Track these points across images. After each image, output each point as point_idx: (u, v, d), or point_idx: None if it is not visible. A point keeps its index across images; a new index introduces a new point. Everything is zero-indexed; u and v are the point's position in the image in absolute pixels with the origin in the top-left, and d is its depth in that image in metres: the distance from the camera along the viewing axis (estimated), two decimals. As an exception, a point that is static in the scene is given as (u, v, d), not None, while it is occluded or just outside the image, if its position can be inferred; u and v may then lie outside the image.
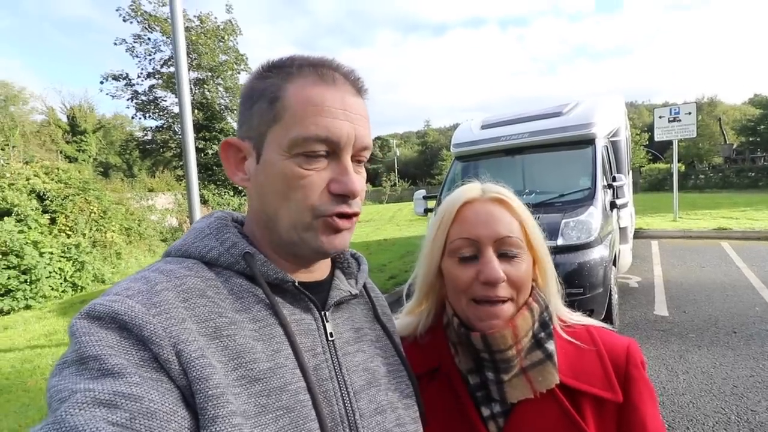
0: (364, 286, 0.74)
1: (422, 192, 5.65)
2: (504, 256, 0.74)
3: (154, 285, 0.50)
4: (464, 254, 0.76)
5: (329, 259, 0.70)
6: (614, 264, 4.48)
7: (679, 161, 14.07)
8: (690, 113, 11.53)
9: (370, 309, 0.73)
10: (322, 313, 0.62)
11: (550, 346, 0.76)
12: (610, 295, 4.00)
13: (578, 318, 0.85)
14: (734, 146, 30.37)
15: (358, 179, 0.58)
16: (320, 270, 0.66)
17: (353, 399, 0.59)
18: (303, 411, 0.52)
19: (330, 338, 0.61)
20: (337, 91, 0.57)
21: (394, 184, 45.47)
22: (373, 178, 54.01)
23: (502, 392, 0.74)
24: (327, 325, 0.62)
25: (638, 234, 9.77)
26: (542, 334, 0.76)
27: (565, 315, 0.84)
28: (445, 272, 0.80)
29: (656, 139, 12.35)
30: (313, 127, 0.55)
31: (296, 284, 0.59)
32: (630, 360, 0.77)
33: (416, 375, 0.80)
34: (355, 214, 0.60)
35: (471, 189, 0.80)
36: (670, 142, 12.17)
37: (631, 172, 8.41)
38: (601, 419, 0.73)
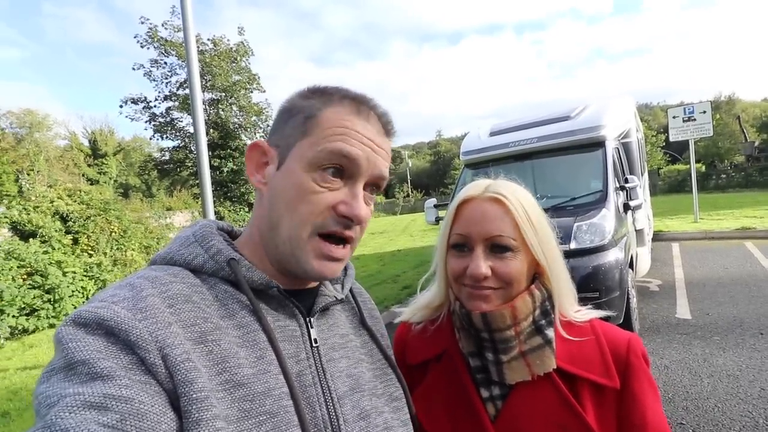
0: (351, 291, 0.76)
1: (433, 201, 5.65)
2: (494, 253, 0.77)
3: (139, 291, 0.50)
4: (459, 248, 0.81)
5: None
6: (631, 267, 4.39)
7: (698, 161, 13.76)
8: (705, 112, 11.30)
9: (356, 314, 0.75)
10: (308, 319, 0.63)
11: (550, 333, 0.78)
12: (628, 298, 3.91)
13: (584, 313, 0.84)
14: (756, 144, 29.49)
15: (365, 207, 0.60)
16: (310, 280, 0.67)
17: (337, 404, 0.60)
18: (286, 416, 0.52)
19: (314, 344, 0.62)
20: (369, 124, 0.61)
21: (407, 195, 45.55)
22: (386, 190, 54.09)
23: (501, 373, 0.76)
24: (312, 331, 0.63)
25: (658, 236, 9.54)
26: (543, 321, 0.79)
27: (570, 314, 0.83)
28: (447, 263, 0.84)
29: (671, 139, 12.12)
30: (339, 144, 0.58)
31: (280, 290, 0.60)
32: (631, 350, 0.78)
33: (423, 360, 0.86)
34: (351, 240, 0.61)
35: (474, 187, 0.83)
36: (688, 143, 11.92)
37: (646, 173, 8.26)
38: (599, 406, 0.74)
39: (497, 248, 0.77)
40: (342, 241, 0.60)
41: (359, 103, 0.61)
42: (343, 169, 0.58)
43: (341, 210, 0.57)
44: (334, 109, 0.59)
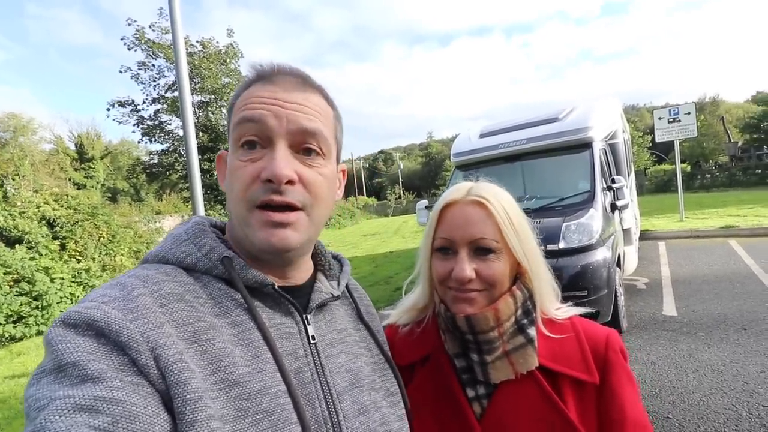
0: (347, 287, 0.76)
1: (424, 202, 5.69)
2: (478, 255, 0.80)
3: (130, 291, 0.49)
4: (444, 251, 0.83)
5: (311, 262, 0.70)
6: (619, 265, 4.47)
7: (684, 161, 14.04)
8: (689, 113, 11.55)
9: (353, 309, 0.76)
10: (304, 316, 0.63)
11: (532, 332, 0.81)
12: (616, 296, 3.99)
13: (564, 311, 0.87)
14: (739, 144, 30.12)
15: (286, 165, 0.56)
16: (300, 274, 0.67)
17: (336, 400, 0.60)
18: (284, 414, 0.52)
19: (312, 341, 0.62)
20: (272, 85, 0.60)
21: (399, 197, 45.63)
22: (377, 192, 54.28)
23: (486, 373, 0.79)
24: (309, 328, 0.62)
25: (645, 235, 9.71)
26: (525, 321, 0.81)
27: (551, 312, 0.86)
28: (432, 266, 0.86)
29: (657, 140, 12.36)
30: (241, 113, 0.59)
31: (275, 287, 0.59)
32: (609, 346, 0.81)
33: (410, 362, 0.87)
34: (290, 206, 0.57)
35: (457, 190, 0.85)
36: (673, 143, 12.16)
37: (633, 174, 8.41)
38: (581, 401, 0.77)
39: (480, 251, 0.79)
40: (282, 208, 0.57)
41: (262, 72, 0.62)
42: (259, 137, 0.58)
43: (263, 176, 0.56)
44: (245, 91, 0.61)
